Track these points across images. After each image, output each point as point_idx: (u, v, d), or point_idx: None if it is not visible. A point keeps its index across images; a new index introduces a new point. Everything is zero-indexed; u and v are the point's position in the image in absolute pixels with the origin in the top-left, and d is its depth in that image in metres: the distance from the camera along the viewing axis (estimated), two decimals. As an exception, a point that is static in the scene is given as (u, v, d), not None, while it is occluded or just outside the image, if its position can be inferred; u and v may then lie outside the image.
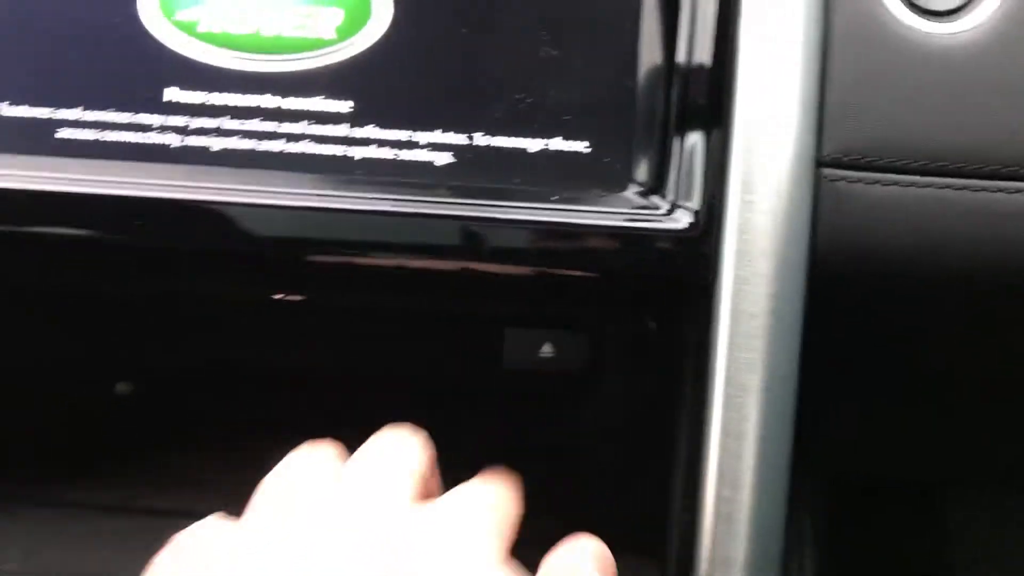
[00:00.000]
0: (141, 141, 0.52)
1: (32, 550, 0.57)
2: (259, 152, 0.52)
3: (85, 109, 0.53)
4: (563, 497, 0.49)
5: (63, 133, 0.53)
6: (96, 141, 0.53)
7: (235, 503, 0.38)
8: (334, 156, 0.52)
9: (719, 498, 0.49)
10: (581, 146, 0.51)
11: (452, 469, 0.42)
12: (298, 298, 0.55)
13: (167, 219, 0.51)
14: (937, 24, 0.50)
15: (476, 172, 0.51)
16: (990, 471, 0.58)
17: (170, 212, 0.51)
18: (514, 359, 0.54)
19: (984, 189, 0.49)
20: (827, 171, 0.50)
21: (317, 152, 0.52)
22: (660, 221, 0.49)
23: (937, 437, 0.56)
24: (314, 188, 0.51)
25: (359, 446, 0.40)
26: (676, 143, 0.50)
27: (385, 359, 0.59)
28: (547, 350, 0.53)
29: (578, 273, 0.49)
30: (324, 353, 0.60)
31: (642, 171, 0.50)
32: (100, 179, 0.51)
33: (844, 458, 0.57)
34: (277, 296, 0.55)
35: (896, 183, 0.49)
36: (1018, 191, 0.49)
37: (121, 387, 0.65)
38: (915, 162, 0.49)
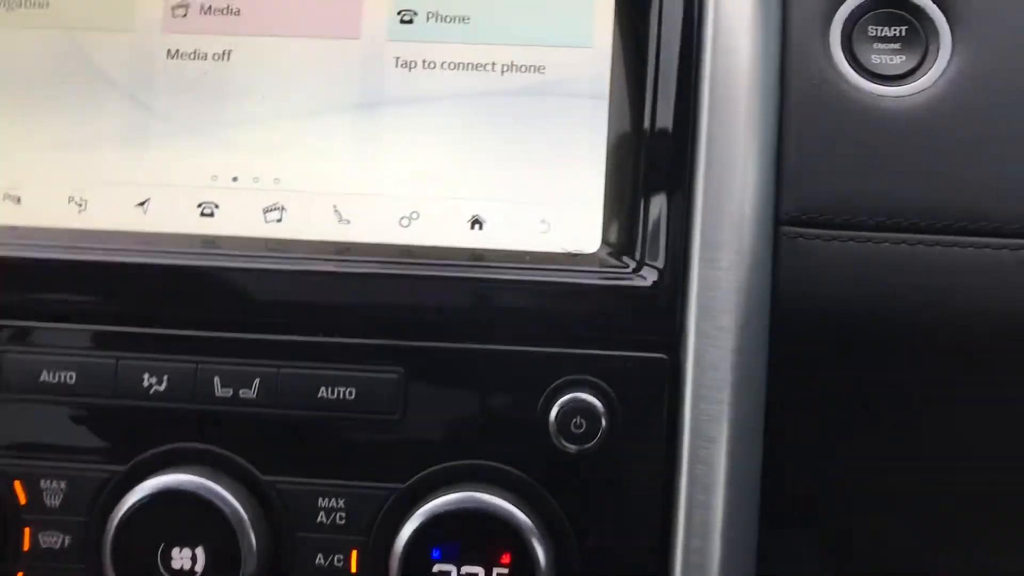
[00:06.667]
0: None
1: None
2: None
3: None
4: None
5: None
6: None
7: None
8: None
9: (688, 549, 0.50)
10: (546, 210, 0.53)
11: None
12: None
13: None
14: (887, 88, 0.53)
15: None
16: (946, 532, 0.58)
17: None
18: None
19: (937, 244, 0.51)
20: (786, 229, 0.52)
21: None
22: (627, 279, 0.51)
23: (900, 494, 0.57)
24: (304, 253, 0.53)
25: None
26: (642, 205, 0.52)
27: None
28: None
29: (548, 330, 0.51)
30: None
31: (611, 232, 0.52)
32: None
33: (807, 515, 0.58)
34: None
35: (852, 239, 0.51)
36: (970, 245, 0.51)
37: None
38: (870, 219, 0.51)
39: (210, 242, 0.54)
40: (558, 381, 0.50)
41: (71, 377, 0.51)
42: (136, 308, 0.53)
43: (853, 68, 0.53)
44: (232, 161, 0.55)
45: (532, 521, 0.49)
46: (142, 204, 0.55)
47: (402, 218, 0.54)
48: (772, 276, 0.51)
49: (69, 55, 0.57)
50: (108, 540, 0.50)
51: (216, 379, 0.51)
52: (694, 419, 0.50)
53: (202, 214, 0.55)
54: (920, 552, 0.57)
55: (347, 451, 0.51)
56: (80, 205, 0.55)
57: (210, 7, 0.57)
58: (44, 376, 0.52)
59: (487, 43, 0.55)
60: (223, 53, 0.56)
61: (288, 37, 0.56)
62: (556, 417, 0.49)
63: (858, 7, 0.54)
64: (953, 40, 0.53)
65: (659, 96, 0.52)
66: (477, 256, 0.52)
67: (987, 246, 0.50)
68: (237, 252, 0.53)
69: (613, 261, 0.52)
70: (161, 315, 0.53)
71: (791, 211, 0.52)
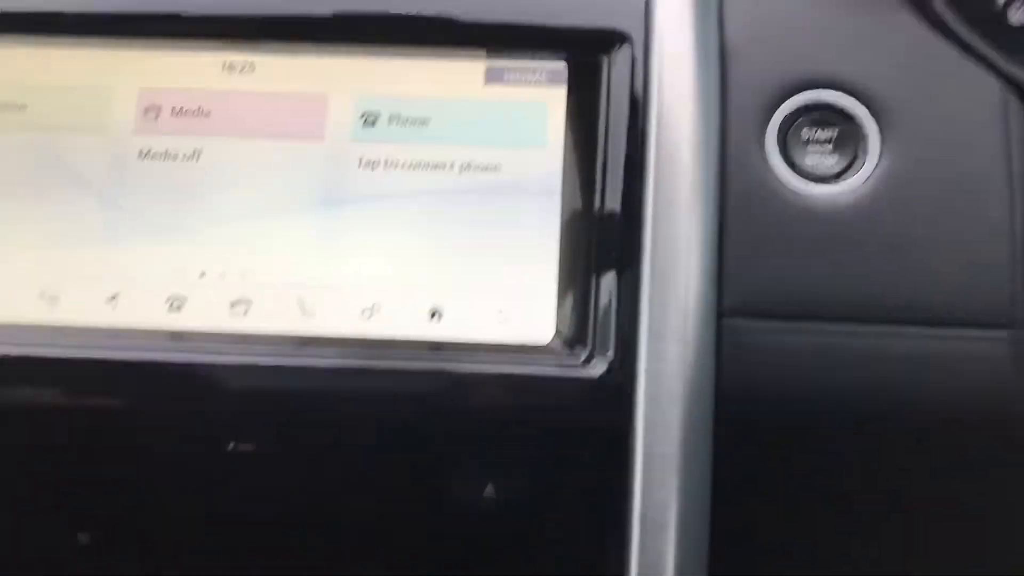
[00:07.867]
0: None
1: None
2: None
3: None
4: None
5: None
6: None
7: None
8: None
9: (639, 635, 0.52)
10: (502, 301, 0.55)
11: None
12: (248, 448, 0.58)
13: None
14: (820, 187, 0.56)
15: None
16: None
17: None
18: (461, 501, 0.57)
19: (871, 334, 0.54)
20: (728, 321, 0.54)
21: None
22: (579, 369, 0.53)
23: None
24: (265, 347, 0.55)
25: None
26: (593, 296, 0.54)
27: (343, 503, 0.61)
28: (489, 491, 0.56)
29: (502, 419, 0.53)
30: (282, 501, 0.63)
31: (563, 322, 0.55)
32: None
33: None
34: (229, 447, 0.58)
35: (790, 331, 0.54)
36: (898, 335, 0.53)
37: (83, 538, 0.67)
38: (807, 311, 0.54)
39: (176, 336, 0.56)
40: None
41: None
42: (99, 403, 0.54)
43: (788, 169, 0.56)
44: (200, 257, 0.57)
45: None
46: (112, 299, 0.57)
47: (363, 310, 0.56)
48: (716, 366, 0.54)
49: (44, 156, 0.59)
50: None
51: None
52: (644, 507, 0.52)
53: (170, 308, 0.57)
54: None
55: None
56: (51, 301, 0.57)
57: (181, 108, 0.60)
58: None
59: (445, 143, 0.58)
60: (193, 153, 0.59)
61: (256, 138, 0.59)
62: None
63: (792, 113, 0.57)
64: (882, 143, 0.56)
65: (607, 192, 0.55)
66: (435, 348, 0.55)
67: (917, 335, 0.53)
68: (202, 346, 0.55)
69: (566, 352, 0.54)
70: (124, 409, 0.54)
71: (732, 303, 0.54)
